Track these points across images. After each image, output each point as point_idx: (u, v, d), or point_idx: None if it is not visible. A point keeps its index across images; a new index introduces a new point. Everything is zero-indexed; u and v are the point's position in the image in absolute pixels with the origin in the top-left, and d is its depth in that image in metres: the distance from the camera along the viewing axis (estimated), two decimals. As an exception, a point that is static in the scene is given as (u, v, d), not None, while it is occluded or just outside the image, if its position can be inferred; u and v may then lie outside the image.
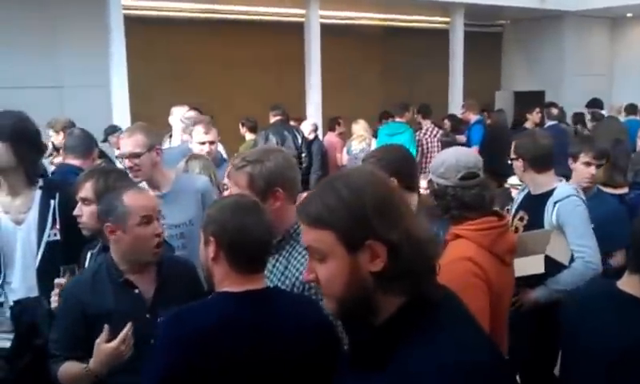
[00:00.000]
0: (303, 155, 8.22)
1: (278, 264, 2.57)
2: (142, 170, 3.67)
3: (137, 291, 2.72)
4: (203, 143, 4.93)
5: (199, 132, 4.99)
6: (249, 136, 8.98)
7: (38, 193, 3.44)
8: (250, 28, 12.55)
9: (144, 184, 3.66)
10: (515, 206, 4.12)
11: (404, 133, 9.30)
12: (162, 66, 11.48)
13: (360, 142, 9.20)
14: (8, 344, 3.15)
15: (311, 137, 8.84)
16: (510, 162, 4.08)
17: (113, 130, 8.53)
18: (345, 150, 9.76)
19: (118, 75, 9.73)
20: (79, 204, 3.09)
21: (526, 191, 4.10)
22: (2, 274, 3.34)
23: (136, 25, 10.35)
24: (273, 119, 8.61)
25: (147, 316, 2.67)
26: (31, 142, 3.45)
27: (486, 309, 2.56)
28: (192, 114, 6.28)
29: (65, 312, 2.75)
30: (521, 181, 4.17)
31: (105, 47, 9.76)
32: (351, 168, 1.70)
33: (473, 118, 10.81)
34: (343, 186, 1.58)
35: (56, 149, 7.01)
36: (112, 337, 2.51)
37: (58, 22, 9.76)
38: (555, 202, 3.77)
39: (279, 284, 2.51)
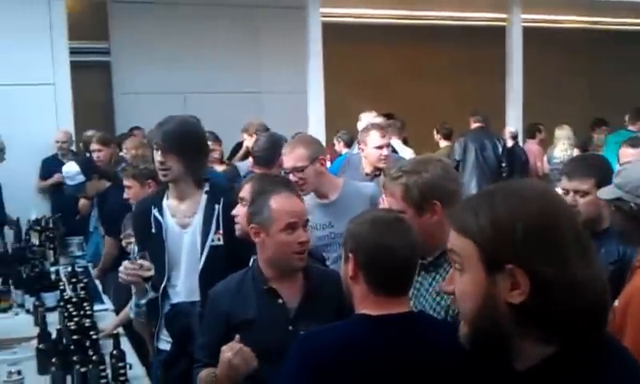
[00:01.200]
0: (503, 165, 7.90)
1: (434, 283, 2.38)
2: (307, 183, 3.62)
3: (280, 301, 2.64)
4: (380, 147, 4.83)
5: (375, 136, 4.91)
6: (443, 143, 8.79)
7: (203, 197, 3.49)
8: (447, 33, 12.32)
9: (311, 194, 3.62)
10: None
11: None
12: (357, 72, 11.57)
13: (563, 150, 8.70)
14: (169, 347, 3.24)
15: (510, 144, 8.48)
16: None
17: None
18: (545, 158, 9.28)
19: (315, 82, 9.90)
20: (238, 204, 3.10)
21: None
22: (167, 276, 3.44)
23: (333, 32, 10.49)
24: (473, 125, 8.34)
25: (290, 328, 2.58)
26: (195, 148, 3.50)
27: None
28: (379, 120, 6.22)
29: (209, 318, 2.74)
30: None
31: (303, 55, 9.98)
32: (524, 181, 1.50)
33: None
34: (502, 199, 1.40)
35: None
36: (251, 346, 2.43)
37: (262, 32, 10.18)
38: None
39: (434, 305, 2.33)
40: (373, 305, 1.99)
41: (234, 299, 2.68)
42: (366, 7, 11.71)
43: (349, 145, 8.37)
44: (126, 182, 4.84)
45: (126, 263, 3.39)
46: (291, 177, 3.61)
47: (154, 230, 3.46)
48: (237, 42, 10.04)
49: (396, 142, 6.90)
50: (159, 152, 3.42)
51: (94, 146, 6.60)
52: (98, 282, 5.47)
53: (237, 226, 3.10)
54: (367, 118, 6.33)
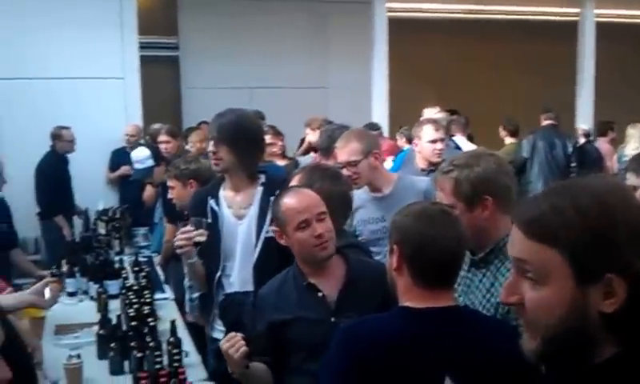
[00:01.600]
0: (572, 165, 7.73)
1: (484, 280, 2.35)
2: (360, 178, 3.60)
3: (320, 295, 2.64)
4: (434, 141, 4.79)
5: (429, 130, 4.87)
6: (508, 140, 8.63)
7: (259, 189, 3.52)
8: (515, 28, 12.08)
9: (365, 188, 3.61)
10: None
11: None
12: (422, 67, 11.47)
13: (635, 149, 8.45)
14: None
15: (581, 142, 8.29)
16: None
17: (372, 127, 8.64)
18: (615, 157, 9.03)
19: (379, 77, 9.87)
20: None
21: None
22: (222, 266, 3.48)
23: (399, 27, 10.43)
24: (544, 122, 8.17)
25: (332, 320, 2.57)
26: (250, 141, 3.53)
27: None
28: (441, 115, 6.16)
29: (257, 315, 2.77)
30: None
31: (368, 50, 9.96)
32: (595, 177, 1.30)
33: None
34: (587, 195, 1.22)
35: (313, 148, 7.26)
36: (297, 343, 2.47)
37: (328, 27, 10.21)
38: None
39: (484, 302, 2.30)
40: (416, 297, 1.97)
41: (277, 299, 2.71)
42: (432, 2, 11.59)
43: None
44: (169, 183, 4.95)
45: (181, 230, 3.47)
46: (345, 171, 3.58)
47: (210, 221, 3.50)
48: (304, 36, 10.11)
49: (460, 139, 6.82)
50: (212, 142, 3.50)
51: (162, 138, 6.74)
52: (160, 271, 5.57)
53: None
54: (430, 114, 6.26)
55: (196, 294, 3.57)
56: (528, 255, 1.24)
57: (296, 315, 2.63)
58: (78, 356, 3.36)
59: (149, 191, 6.84)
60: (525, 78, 11.94)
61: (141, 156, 6.66)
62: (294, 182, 3.10)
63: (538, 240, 1.22)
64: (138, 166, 6.92)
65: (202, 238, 3.40)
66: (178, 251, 3.48)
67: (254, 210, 3.48)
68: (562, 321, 1.21)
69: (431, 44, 11.69)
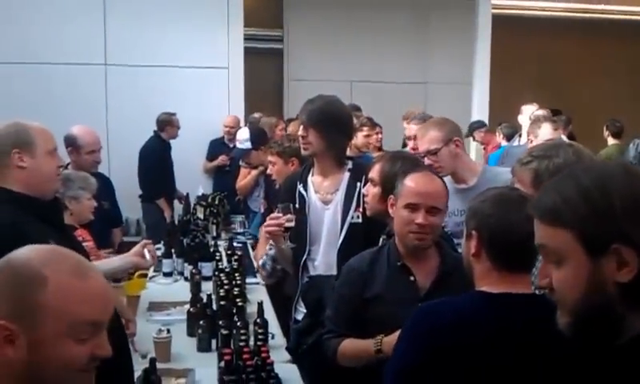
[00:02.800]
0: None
1: None
2: (442, 166, 3.48)
3: (412, 278, 2.64)
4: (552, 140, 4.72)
5: (547, 128, 4.87)
6: (611, 141, 8.35)
7: (346, 175, 3.55)
8: (621, 28, 11.65)
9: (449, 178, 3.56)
10: None
11: None
12: (525, 65, 11.24)
13: None
14: (304, 318, 3.33)
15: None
16: None
17: (479, 124, 8.54)
18: None
19: (481, 74, 9.72)
20: (368, 184, 3.13)
21: None
22: (307, 250, 3.53)
23: (501, 24, 10.23)
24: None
25: (419, 305, 2.51)
26: (339, 126, 3.56)
27: None
28: (541, 112, 6.02)
29: (344, 290, 2.77)
30: None
31: (471, 46, 9.83)
32: (598, 161, 1.45)
33: None
34: (586, 177, 1.37)
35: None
36: (381, 320, 2.47)
37: (430, 23, 10.16)
38: None
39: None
40: (494, 282, 1.95)
41: (367, 274, 2.71)
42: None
43: (509, 138, 8.18)
44: (270, 158, 4.99)
45: (270, 216, 3.55)
46: (426, 161, 3.49)
47: (297, 205, 3.57)
48: (405, 31, 10.11)
49: (562, 138, 6.67)
50: (302, 126, 3.57)
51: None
52: (254, 258, 5.66)
53: (367, 206, 3.15)
54: (528, 111, 6.16)
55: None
56: (547, 240, 1.40)
57: (385, 292, 2.64)
58: (168, 330, 3.48)
59: (243, 173, 6.88)
60: (630, 79, 11.50)
61: (242, 137, 6.82)
62: (374, 170, 3.09)
63: (551, 225, 1.39)
64: (238, 145, 7.09)
65: (291, 224, 3.48)
66: (267, 237, 3.56)
67: (340, 195, 3.52)
68: (585, 295, 1.34)
69: (534, 42, 11.42)
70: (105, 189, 5.27)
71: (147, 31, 8.40)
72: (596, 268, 1.32)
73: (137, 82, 8.36)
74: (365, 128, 5.97)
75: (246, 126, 8.34)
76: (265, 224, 3.56)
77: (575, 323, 1.38)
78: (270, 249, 3.92)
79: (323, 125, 3.49)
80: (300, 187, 3.60)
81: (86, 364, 1.45)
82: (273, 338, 3.61)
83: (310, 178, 3.63)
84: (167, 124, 7.82)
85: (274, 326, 3.81)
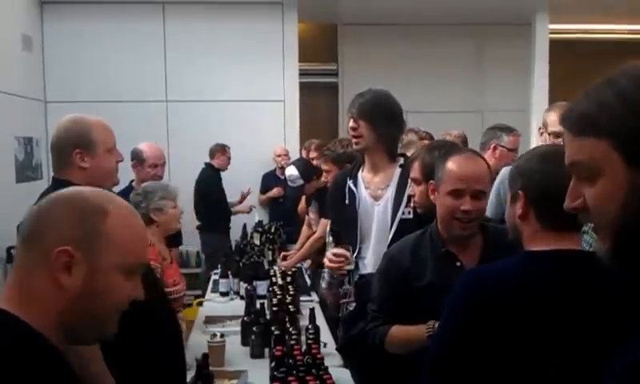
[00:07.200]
0: None
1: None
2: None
3: (458, 264, 2.57)
4: None
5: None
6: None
7: (397, 171, 3.51)
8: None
9: None
10: None
11: None
12: (579, 89, 11.01)
13: None
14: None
15: None
16: None
17: None
18: None
19: (539, 100, 9.60)
20: (412, 186, 3.11)
21: None
22: (358, 247, 3.49)
23: (558, 48, 10.12)
24: None
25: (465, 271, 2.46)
26: (390, 118, 3.54)
27: None
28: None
29: (389, 276, 2.71)
30: None
31: (527, 72, 9.75)
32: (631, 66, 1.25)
33: None
34: (626, 81, 1.19)
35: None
36: (430, 309, 2.40)
37: (485, 51, 10.14)
38: None
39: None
40: (543, 242, 1.89)
41: (412, 260, 2.65)
42: (596, 23, 11.14)
43: None
44: (324, 166, 4.99)
45: (334, 250, 3.44)
46: None
47: (347, 202, 3.54)
48: (460, 60, 10.13)
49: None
50: (352, 119, 3.53)
51: (312, 154, 6.88)
52: (308, 278, 5.68)
53: (416, 205, 3.10)
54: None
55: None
56: (580, 154, 1.24)
57: (432, 280, 2.58)
58: (222, 335, 3.52)
59: (302, 203, 6.97)
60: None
61: (292, 175, 6.88)
62: (414, 170, 3.05)
63: (585, 135, 1.23)
64: (290, 184, 7.16)
65: (351, 266, 3.43)
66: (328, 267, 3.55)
67: (390, 191, 3.48)
68: (624, 209, 1.17)
69: (594, 66, 11.21)
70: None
71: (209, 70, 8.70)
72: (636, 178, 1.16)
73: (196, 115, 8.63)
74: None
75: (301, 150, 8.44)
76: (327, 258, 3.46)
77: (615, 248, 1.21)
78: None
79: (373, 117, 3.47)
80: (350, 183, 3.57)
81: (125, 303, 1.49)
82: (325, 346, 3.60)
83: (360, 174, 3.60)
84: (221, 153, 7.99)
85: (326, 335, 3.81)
